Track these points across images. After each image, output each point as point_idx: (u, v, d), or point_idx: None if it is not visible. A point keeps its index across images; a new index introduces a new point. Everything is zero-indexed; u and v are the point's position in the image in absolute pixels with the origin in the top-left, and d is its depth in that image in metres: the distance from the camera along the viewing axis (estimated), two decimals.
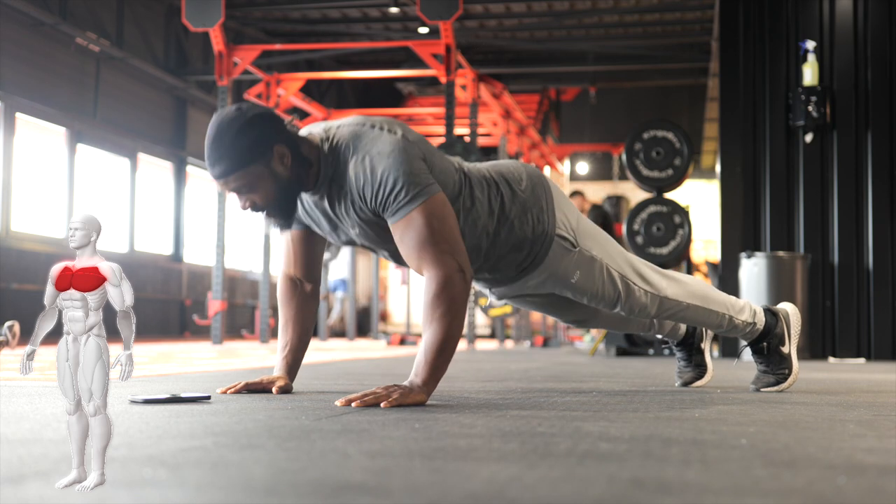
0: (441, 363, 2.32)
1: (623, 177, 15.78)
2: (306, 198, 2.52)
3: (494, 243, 2.57)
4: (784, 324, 3.00)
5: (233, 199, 2.43)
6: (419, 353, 2.32)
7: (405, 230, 2.33)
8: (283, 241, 2.73)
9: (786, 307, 3.07)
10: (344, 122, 2.47)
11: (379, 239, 2.49)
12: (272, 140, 2.33)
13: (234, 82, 11.19)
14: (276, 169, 2.34)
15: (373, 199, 2.34)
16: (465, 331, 9.52)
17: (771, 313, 3.02)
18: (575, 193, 11.60)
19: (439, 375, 2.34)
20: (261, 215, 2.44)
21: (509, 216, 2.56)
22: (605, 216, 10.70)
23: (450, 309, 2.30)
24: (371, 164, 2.33)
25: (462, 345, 9.37)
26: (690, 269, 8.75)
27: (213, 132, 2.33)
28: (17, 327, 5.33)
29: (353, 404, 2.22)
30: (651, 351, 7.01)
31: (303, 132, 2.50)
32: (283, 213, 2.43)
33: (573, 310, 2.97)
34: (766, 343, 3.00)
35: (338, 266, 15.13)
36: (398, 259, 2.58)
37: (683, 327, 3.23)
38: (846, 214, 6.96)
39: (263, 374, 2.77)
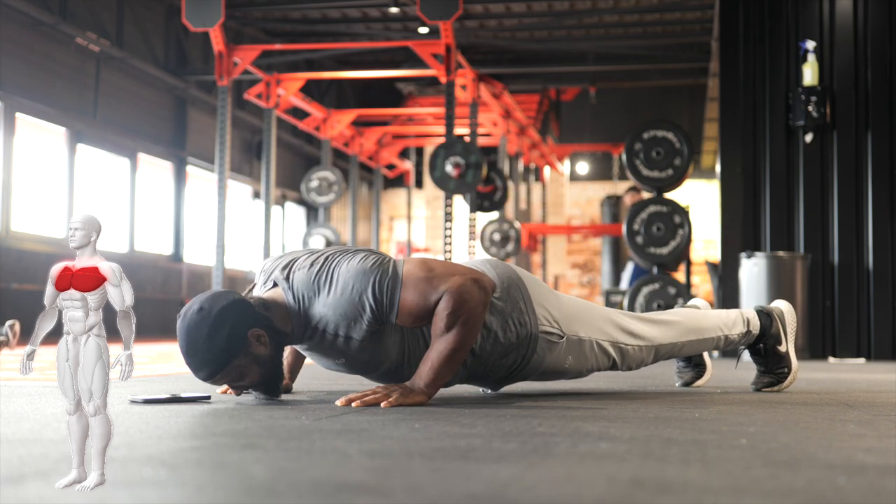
0: (447, 371, 2.32)
1: (623, 177, 15.77)
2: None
3: (480, 357, 2.53)
4: (779, 323, 2.99)
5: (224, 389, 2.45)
6: (426, 357, 2.32)
7: (409, 304, 2.31)
8: None
9: (780, 305, 3.06)
10: (296, 266, 2.41)
11: (367, 365, 2.45)
12: (244, 328, 2.29)
13: (234, 82, 11.19)
14: (256, 352, 2.31)
15: (371, 318, 2.31)
16: None
17: (765, 314, 3.01)
18: (631, 189, 11.38)
19: (441, 382, 2.34)
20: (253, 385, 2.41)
21: (491, 329, 2.51)
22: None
23: (467, 320, 2.30)
24: (342, 298, 2.30)
25: None
26: (690, 269, 8.75)
27: (186, 342, 2.27)
28: (17, 326, 5.33)
29: (353, 404, 2.22)
30: None
31: (266, 280, 2.46)
32: (273, 385, 2.41)
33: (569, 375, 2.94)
34: (763, 344, 2.99)
35: None
36: (386, 379, 2.52)
37: None
38: (846, 214, 6.96)
39: None
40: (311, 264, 2.39)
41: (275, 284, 2.43)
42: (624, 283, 10.90)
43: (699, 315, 2.94)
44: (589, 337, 2.68)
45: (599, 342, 2.69)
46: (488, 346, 2.52)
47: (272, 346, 2.34)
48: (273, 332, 2.34)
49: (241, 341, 2.28)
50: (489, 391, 2.84)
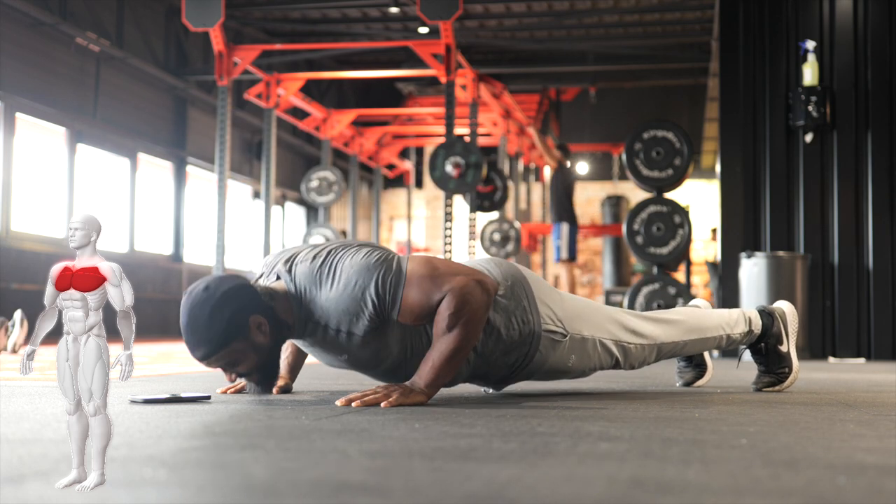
0: (448, 371, 2.32)
1: (623, 177, 15.77)
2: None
3: (482, 354, 2.52)
4: (781, 323, 3.00)
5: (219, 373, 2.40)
6: (428, 356, 2.32)
7: (412, 302, 2.30)
8: None
9: (782, 306, 3.06)
10: (298, 258, 2.41)
11: (369, 361, 2.44)
12: (246, 313, 2.27)
13: (234, 82, 11.19)
14: (255, 340, 2.29)
15: (373, 314, 2.30)
16: None
17: (767, 314, 3.01)
18: (558, 147, 11.33)
19: (442, 382, 2.34)
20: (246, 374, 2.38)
21: (494, 325, 2.50)
22: (566, 183, 10.63)
23: (469, 321, 2.29)
24: (345, 293, 2.29)
25: None
26: (690, 269, 8.75)
27: (187, 318, 2.25)
28: (26, 323, 5.33)
29: (353, 404, 2.22)
30: None
31: (269, 273, 2.45)
32: (267, 377, 2.38)
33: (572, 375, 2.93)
34: (764, 344, 3.00)
35: None
36: (388, 378, 2.50)
37: None
38: (846, 214, 6.96)
39: None
40: (314, 258, 2.38)
41: (278, 278, 2.42)
42: (564, 251, 10.64)
43: (702, 314, 2.94)
44: (592, 336, 2.67)
45: (602, 341, 2.69)
46: (490, 344, 2.51)
47: (272, 337, 2.32)
48: (275, 323, 2.32)
49: (242, 326, 2.26)
50: (491, 391, 2.84)
